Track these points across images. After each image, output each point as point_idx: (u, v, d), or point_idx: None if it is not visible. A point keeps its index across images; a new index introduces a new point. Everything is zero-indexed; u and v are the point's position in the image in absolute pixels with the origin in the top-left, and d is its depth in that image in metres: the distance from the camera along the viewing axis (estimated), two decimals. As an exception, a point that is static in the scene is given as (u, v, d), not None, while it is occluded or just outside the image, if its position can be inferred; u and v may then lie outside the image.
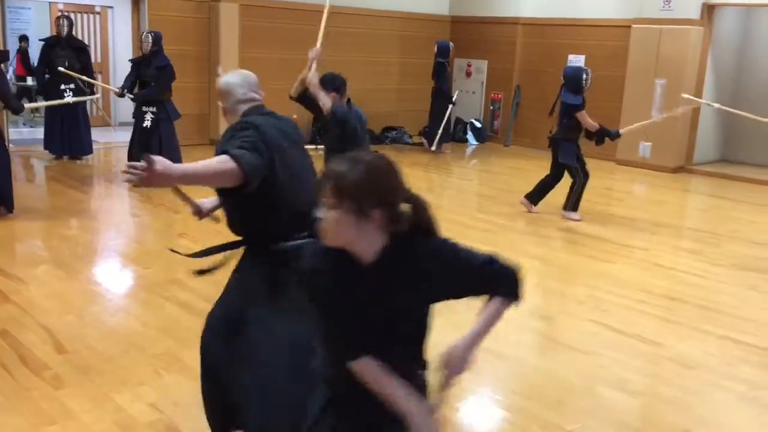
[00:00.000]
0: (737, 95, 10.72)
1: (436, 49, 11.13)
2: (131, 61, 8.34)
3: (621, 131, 7.60)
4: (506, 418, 3.42)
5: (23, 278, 4.88)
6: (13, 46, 11.03)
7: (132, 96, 8.10)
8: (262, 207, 2.52)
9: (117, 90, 8.21)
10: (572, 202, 7.25)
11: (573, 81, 6.99)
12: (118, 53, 11.69)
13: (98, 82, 9.46)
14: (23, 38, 11.74)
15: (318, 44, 4.17)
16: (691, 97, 8.92)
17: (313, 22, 10.98)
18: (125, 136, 10.63)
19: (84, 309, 4.45)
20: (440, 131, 10.93)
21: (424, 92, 11.86)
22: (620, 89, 10.80)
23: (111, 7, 11.62)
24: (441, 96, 11.07)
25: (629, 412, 3.54)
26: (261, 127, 2.52)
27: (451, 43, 11.32)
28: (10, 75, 11.14)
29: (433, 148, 11.08)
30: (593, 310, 4.83)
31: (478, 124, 12.36)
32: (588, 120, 7.01)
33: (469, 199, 8.66)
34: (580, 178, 7.18)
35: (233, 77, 2.74)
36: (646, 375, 3.95)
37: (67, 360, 3.71)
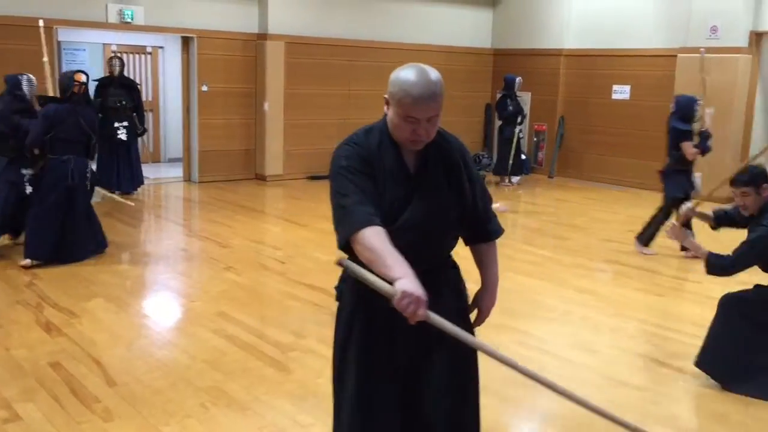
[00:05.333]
0: (789, 123, 10.49)
1: (503, 82, 11.32)
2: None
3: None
4: (555, 455, 3.34)
5: (75, 311, 4.99)
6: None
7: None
8: None
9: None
10: (647, 236, 7.03)
11: (685, 108, 6.95)
12: (168, 92, 12.02)
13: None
14: None
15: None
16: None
17: (353, 57, 11.31)
18: (175, 171, 10.95)
19: (133, 342, 4.53)
20: (510, 164, 11.21)
21: (465, 124, 11.88)
22: (667, 119, 10.64)
23: (161, 48, 11.98)
24: (505, 130, 11.25)
25: (683, 450, 3.43)
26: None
27: (519, 78, 11.18)
28: None
29: (515, 181, 11.41)
30: (644, 344, 4.72)
31: (522, 156, 12.29)
32: (690, 150, 6.75)
33: (514, 232, 8.58)
34: (664, 215, 6.85)
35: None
36: (699, 414, 3.83)
37: (117, 392, 3.76)
